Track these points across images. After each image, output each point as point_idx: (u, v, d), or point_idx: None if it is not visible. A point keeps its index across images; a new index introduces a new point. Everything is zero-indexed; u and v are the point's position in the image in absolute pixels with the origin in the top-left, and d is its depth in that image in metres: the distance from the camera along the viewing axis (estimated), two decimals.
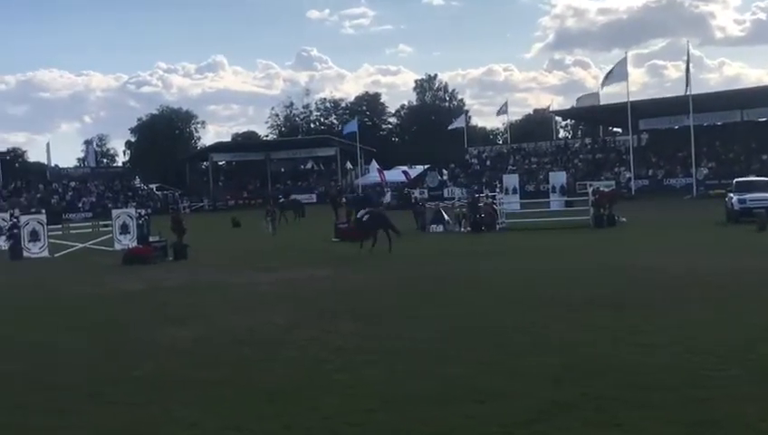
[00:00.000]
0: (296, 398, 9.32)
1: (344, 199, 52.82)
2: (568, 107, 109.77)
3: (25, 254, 34.14)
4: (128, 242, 35.01)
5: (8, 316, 17.30)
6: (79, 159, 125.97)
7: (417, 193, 67.37)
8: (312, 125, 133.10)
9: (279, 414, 8.69)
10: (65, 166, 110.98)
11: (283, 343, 12.65)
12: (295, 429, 8.24)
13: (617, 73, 70.46)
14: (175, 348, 12.60)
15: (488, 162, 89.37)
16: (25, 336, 14.49)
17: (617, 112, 76.52)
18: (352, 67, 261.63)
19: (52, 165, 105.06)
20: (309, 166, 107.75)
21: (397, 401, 9.03)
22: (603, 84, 73.09)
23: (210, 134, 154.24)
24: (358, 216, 30.18)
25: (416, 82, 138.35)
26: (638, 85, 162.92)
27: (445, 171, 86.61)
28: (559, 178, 63.38)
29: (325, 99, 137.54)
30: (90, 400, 9.67)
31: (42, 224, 35.80)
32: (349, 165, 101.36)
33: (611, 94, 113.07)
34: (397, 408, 8.76)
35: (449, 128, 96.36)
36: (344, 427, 8.26)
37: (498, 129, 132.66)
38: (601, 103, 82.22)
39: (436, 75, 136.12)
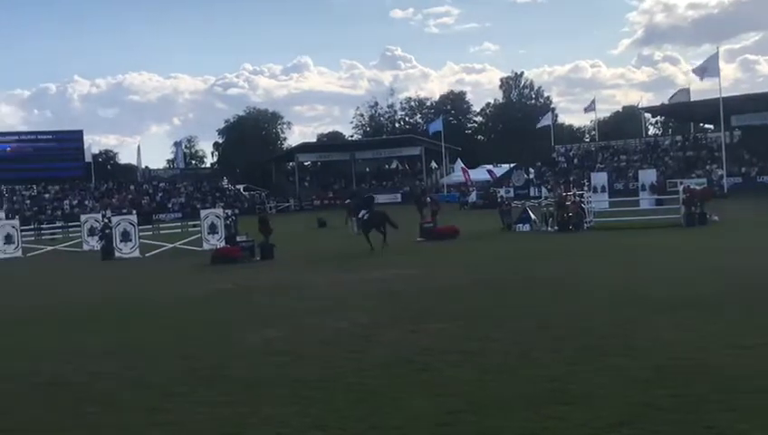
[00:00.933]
0: (382, 398, 9.30)
1: (428, 199, 52.86)
2: (657, 103, 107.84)
3: (117, 254, 34.94)
4: (216, 242, 35.53)
5: (100, 316, 17.67)
6: (168, 161, 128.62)
7: (502, 192, 66.94)
8: (397, 125, 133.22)
9: (366, 414, 8.68)
10: (155, 167, 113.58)
11: (370, 342, 12.65)
12: (382, 429, 8.21)
13: (709, 69, 68.79)
14: (263, 348, 12.70)
15: (575, 160, 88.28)
16: (116, 335, 14.77)
17: (708, 108, 74.83)
18: (437, 66, 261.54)
19: (143, 166, 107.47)
20: (393, 165, 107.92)
21: (483, 402, 8.94)
22: (698, 75, 70.94)
23: (295, 135, 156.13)
24: (359, 215, 32.30)
25: (501, 80, 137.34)
26: (730, 81, 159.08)
27: (531, 170, 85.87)
28: (649, 175, 62.19)
29: (410, 98, 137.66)
30: (179, 399, 9.79)
31: (133, 224, 36.58)
32: (433, 164, 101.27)
33: (703, 90, 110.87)
34: (483, 409, 8.66)
35: (537, 127, 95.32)
36: (431, 428, 8.20)
37: (586, 126, 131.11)
38: (692, 100, 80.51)
39: (522, 73, 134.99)
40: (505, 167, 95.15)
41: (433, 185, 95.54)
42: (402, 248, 31.03)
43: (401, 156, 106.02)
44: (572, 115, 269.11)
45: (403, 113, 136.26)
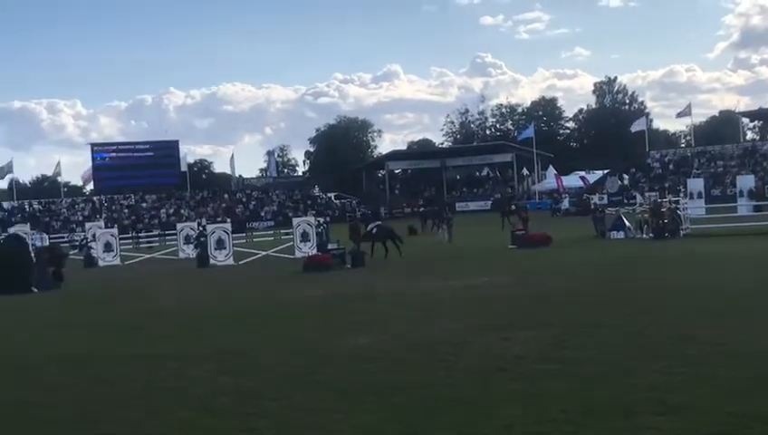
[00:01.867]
0: (474, 406, 9.23)
1: (514, 206, 52.99)
2: (755, 108, 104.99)
3: (212, 261, 35.50)
4: (308, 250, 35.82)
5: (195, 323, 17.97)
6: (261, 170, 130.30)
7: (595, 199, 66.00)
8: (488, 131, 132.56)
9: (458, 422, 8.62)
10: (248, 176, 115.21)
11: (461, 350, 12.57)
12: None
13: None
14: (355, 355, 12.72)
15: (671, 166, 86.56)
16: (212, 342, 14.98)
17: None
18: (527, 72, 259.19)
19: (237, 175, 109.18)
20: (484, 173, 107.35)
21: (578, 411, 8.79)
22: None
23: (386, 142, 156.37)
24: (368, 229, 34.07)
25: (594, 85, 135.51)
26: None
27: (625, 176, 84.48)
28: (747, 181, 60.65)
29: (501, 104, 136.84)
30: (274, 404, 9.88)
31: (227, 232, 37.16)
32: (525, 171, 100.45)
33: None
34: (578, 418, 8.53)
35: (632, 131, 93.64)
36: None
37: (681, 131, 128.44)
38: None
39: (615, 78, 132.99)
40: (599, 173, 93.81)
41: (524, 192, 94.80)
42: (493, 255, 30.84)
43: (492, 163, 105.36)
44: (667, 120, 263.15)
45: (494, 120, 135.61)
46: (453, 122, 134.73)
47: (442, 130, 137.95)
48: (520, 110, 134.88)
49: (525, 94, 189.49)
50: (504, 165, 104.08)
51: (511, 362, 11.49)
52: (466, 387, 10.16)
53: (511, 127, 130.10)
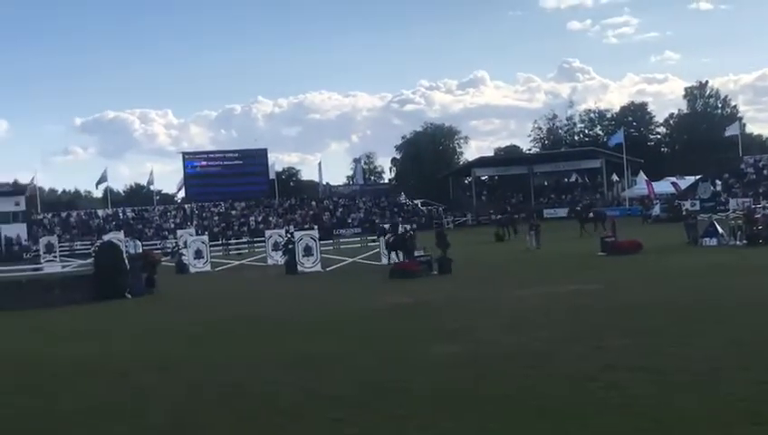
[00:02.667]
0: (566, 414, 9.14)
1: (592, 214, 52.60)
2: None
3: (299, 268, 35.81)
4: (394, 257, 35.87)
5: (284, 329, 18.14)
6: (348, 177, 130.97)
7: (687, 205, 64.70)
8: (576, 137, 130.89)
9: (548, 431, 8.55)
10: (335, 183, 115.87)
11: (551, 358, 12.45)
12: None
13: None
14: (443, 362, 12.70)
15: (765, 171, 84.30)
16: (301, 348, 15.12)
17: None
18: (616, 77, 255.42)
19: (324, 183, 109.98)
20: (573, 179, 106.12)
21: (670, 420, 8.66)
22: None
23: (472, 149, 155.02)
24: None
25: (685, 89, 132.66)
26: None
27: (718, 182, 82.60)
28: None
29: (589, 110, 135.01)
30: (364, 411, 9.93)
31: (314, 239, 37.43)
32: (615, 177, 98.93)
33: None
34: (670, 428, 8.41)
35: (724, 136, 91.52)
36: None
37: None
38: None
39: (706, 82, 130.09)
40: (690, 179, 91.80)
41: (614, 198, 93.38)
42: (583, 263, 30.46)
43: (581, 169, 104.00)
44: (761, 124, 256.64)
45: (582, 125, 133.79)
46: (540, 128, 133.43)
47: (529, 135, 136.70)
48: (609, 115, 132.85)
49: (614, 99, 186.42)
50: (592, 171, 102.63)
51: (602, 370, 11.33)
52: (556, 396, 10.05)
53: (600, 132, 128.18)
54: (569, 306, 18.55)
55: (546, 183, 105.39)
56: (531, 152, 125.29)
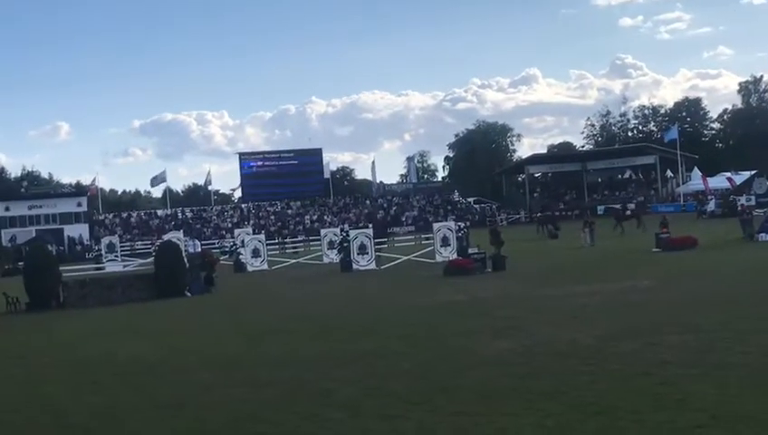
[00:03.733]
0: (620, 411, 9.17)
1: (629, 212, 52.44)
2: None
3: (354, 266, 36.08)
4: (448, 254, 36.01)
5: (340, 326, 18.37)
6: (401, 176, 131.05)
7: (743, 200, 63.79)
8: (630, 133, 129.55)
9: (603, 427, 8.61)
10: (389, 182, 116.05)
11: (605, 355, 12.49)
12: None
13: None
14: (497, 359, 12.81)
15: None
16: (357, 345, 15.33)
17: None
18: (669, 72, 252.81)
19: (378, 182, 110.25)
20: (627, 175, 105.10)
21: (727, 418, 8.65)
22: None
23: (525, 147, 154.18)
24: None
25: (739, 84, 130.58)
26: None
27: None
28: None
29: (643, 106, 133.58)
30: (420, 407, 10.05)
31: (369, 238, 37.68)
32: (669, 173, 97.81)
33: None
34: (727, 425, 8.39)
35: None
36: None
37: None
38: None
39: (761, 77, 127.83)
40: (746, 174, 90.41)
41: (669, 194, 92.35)
42: (637, 259, 30.30)
43: (635, 165, 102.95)
44: None
45: (636, 122, 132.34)
46: (594, 125, 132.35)
47: (582, 132, 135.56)
48: (663, 111, 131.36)
49: (667, 95, 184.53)
50: (646, 167, 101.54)
51: (657, 366, 11.35)
52: (611, 392, 10.10)
53: (654, 128, 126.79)
54: (623, 302, 18.52)
55: (600, 180, 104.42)
56: (584, 149, 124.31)
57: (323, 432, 9.26)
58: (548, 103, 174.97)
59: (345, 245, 37.41)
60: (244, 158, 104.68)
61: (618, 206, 65.61)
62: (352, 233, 38.85)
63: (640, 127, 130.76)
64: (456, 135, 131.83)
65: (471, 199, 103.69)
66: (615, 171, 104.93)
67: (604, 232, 44.85)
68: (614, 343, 13.49)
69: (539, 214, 64.50)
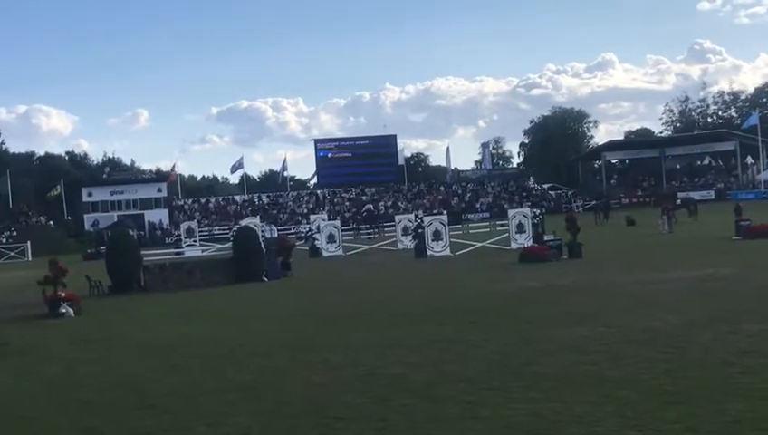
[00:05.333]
0: (699, 400, 9.07)
1: (679, 201, 51.81)
2: None
3: (429, 252, 36.11)
4: (523, 241, 35.84)
5: (415, 311, 18.42)
6: (476, 162, 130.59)
7: None
8: (709, 119, 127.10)
9: (682, 416, 8.52)
10: (463, 169, 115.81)
11: (684, 343, 12.33)
12: (698, 432, 8.03)
13: None
14: (574, 346, 12.74)
15: None
16: (431, 330, 15.39)
17: None
18: (749, 57, 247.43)
19: (452, 168, 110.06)
20: (706, 162, 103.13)
21: None
22: None
23: (601, 133, 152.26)
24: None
25: None
26: None
27: None
28: None
29: (723, 91, 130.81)
30: (496, 393, 10.06)
31: (443, 224, 37.70)
32: (749, 160, 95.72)
33: None
34: None
35: None
36: (752, 433, 7.93)
37: None
38: None
39: None
40: None
41: (749, 181, 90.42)
42: (717, 246, 29.78)
43: (714, 151, 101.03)
44: None
45: (715, 108, 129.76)
46: (672, 111, 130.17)
47: (661, 118, 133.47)
48: (743, 96, 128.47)
49: (747, 80, 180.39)
50: (726, 154, 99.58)
51: (737, 356, 11.18)
52: (690, 381, 9.98)
53: (734, 114, 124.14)
54: (702, 290, 18.26)
55: (678, 166, 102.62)
56: (662, 135, 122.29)
57: (398, 417, 9.31)
58: (624, 89, 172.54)
59: (420, 231, 37.45)
60: (320, 144, 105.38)
61: (665, 196, 64.92)
62: (427, 219, 38.88)
63: (720, 113, 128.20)
64: (532, 121, 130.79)
65: (546, 186, 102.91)
66: (694, 158, 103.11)
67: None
68: (692, 330, 13.33)
69: (594, 201, 64.10)
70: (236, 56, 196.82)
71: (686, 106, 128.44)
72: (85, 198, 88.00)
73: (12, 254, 67.13)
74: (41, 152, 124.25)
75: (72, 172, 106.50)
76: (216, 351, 14.85)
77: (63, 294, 22.66)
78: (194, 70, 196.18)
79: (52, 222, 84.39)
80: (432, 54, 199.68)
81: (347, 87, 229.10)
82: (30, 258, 63.48)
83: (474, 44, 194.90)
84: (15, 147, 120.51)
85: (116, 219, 79.15)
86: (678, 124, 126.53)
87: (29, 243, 67.93)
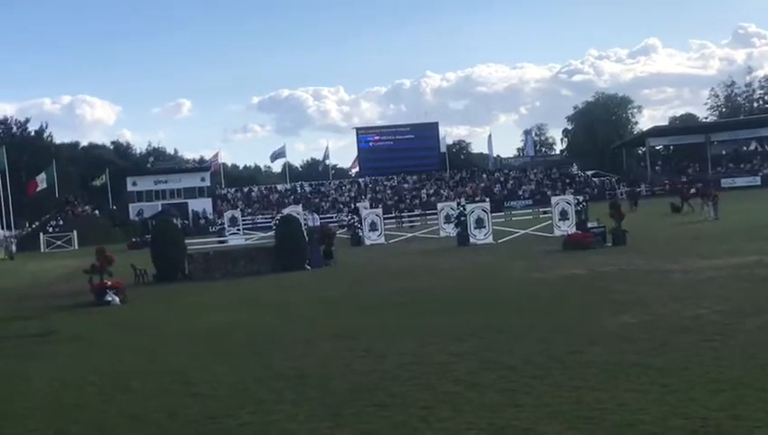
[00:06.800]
0: (746, 388, 8.98)
1: (694, 190, 51.41)
2: None
3: (471, 240, 36.07)
4: (567, 228, 35.66)
5: (457, 300, 18.44)
6: (518, 149, 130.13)
7: None
8: (756, 104, 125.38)
9: (728, 404, 8.44)
10: (505, 156, 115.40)
11: (730, 331, 12.19)
12: (746, 420, 7.94)
13: None
14: (619, 333, 12.66)
15: None
16: (474, 317, 15.38)
17: None
18: None
19: (494, 155, 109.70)
20: (752, 147, 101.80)
21: None
22: None
23: (645, 119, 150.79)
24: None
25: None
26: None
27: None
28: None
29: None
30: (539, 381, 10.03)
31: (486, 212, 37.62)
32: None
33: None
34: None
35: None
36: None
37: None
38: None
39: None
40: None
41: None
42: (765, 234, 29.38)
43: (760, 137, 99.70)
44: None
45: (762, 92, 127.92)
46: (717, 96, 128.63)
47: (705, 103, 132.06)
48: None
49: None
50: None
51: None
52: (736, 369, 9.88)
53: None
54: (748, 278, 18.01)
55: (724, 152, 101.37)
56: (707, 121, 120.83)
57: (441, 404, 9.32)
58: (668, 74, 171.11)
59: (462, 219, 37.39)
60: (361, 132, 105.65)
61: (680, 185, 64.35)
62: (469, 207, 38.81)
63: (766, 97, 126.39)
64: (575, 107, 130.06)
65: (590, 173, 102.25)
66: (740, 143, 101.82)
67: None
68: (740, 318, 13.17)
69: (627, 189, 64.16)
70: (277, 45, 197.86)
71: (732, 91, 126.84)
72: (130, 188, 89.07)
73: (59, 243, 68.16)
74: (85, 142, 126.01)
75: (117, 162, 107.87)
76: (260, 338, 14.97)
77: (109, 283, 22.97)
78: (235, 59, 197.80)
79: (97, 211, 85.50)
80: (472, 41, 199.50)
81: (387, 75, 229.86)
82: (76, 247, 64.38)
83: (514, 31, 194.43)
84: (60, 137, 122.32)
85: (160, 208, 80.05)
86: (724, 109, 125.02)
87: (75, 232, 68.97)
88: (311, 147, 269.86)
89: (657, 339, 12.02)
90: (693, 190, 53.96)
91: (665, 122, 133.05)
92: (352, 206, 47.14)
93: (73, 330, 17.97)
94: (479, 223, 36.99)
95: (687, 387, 9.22)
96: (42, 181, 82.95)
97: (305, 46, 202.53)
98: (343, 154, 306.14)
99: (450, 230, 40.86)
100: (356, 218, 45.58)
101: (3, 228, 68.77)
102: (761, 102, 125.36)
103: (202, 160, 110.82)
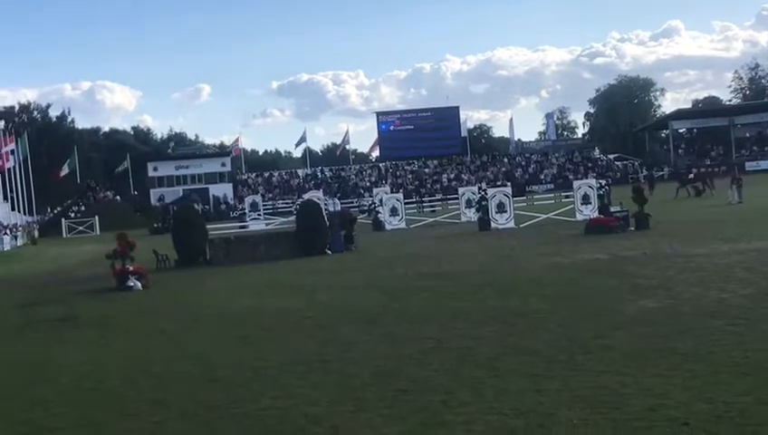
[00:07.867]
0: None
1: (692, 175, 51.16)
2: None
3: (493, 225, 35.94)
4: (589, 212, 35.49)
5: (478, 284, 18.34)
6: (539, 133, 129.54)
7: None
8: None
9: (752, 388, 8.36)
10: (527, 140, 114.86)
11: (755, 315, 12.09)
12: None
13: None
14: (642, 318, 12.58)
15: None
16: (496, 303, 15.33)
17: None
18: None
19: (515, 139, 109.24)
20: None
21: None
22: None
23: (668, 102, 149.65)
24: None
25: None
26: None
27: None
28: None
29: None
30: (562, 366, 9.97)
31: (507, 196, 37.48)
32: None
33: None
34: None
35: None
36: None
37: None
38: None
39: None
40: None
41: None
42: None
43: None
44: None
45: None
46: (741, 78, 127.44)
47: (729, 86, 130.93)
48: None
49: None
50: None
51: None
52: (761, 353, 9.79)
53: None
54: None
55: (748, 135, 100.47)
56: (731, 103, 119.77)
57: (463, 389, 9.29)
58: (691, 57, 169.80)
59: (483, 203, 37.26)
60: (382, 117, 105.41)
61: (683, 170, 63.86)
62: (490, 191, 38.67)
63: None
64: (597, 90, 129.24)
65: (612, 156, 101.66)
66: (764, 126, 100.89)
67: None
68: (764, 303, 13.05)
69: (644, 173, 64.11)
70: (296, 30, 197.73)
71: (756, 73, 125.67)
72: (151, 173, 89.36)
73: (80, 228, 68.58)
74: (106, 128, 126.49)
75: (138, 147, 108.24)
76: (282, 323, 14.98)
77: (131, 268, 23.05)
78: (254, 44, 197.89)
79: (119, 197, 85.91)
80: (492, 24, 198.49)
81: (407, 59, 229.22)
82: (98, 232, 64.72)
83: (535, 13, 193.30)
84: (81, 123, 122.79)
85: (181, 194, 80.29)
86: (747, 92, 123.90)
87: (97, 217, 69.30)
88: (330, 132, 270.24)
89: (681, 323, 11.93)
90: (691, 175, 53.68)
91: (688, 105, 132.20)
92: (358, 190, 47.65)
93: (96, 315, 18.05)
94: (500, 207, 36.82)
95: (712, 371, 9.15)
96: (65, 168, 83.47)
97: (324, 30, 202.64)
98: (363, 139, 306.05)
99: (471, 215, 40.72)
100: (377, 204, 45.54)
101: (25, 214, 69.20)
102: None
103: (222, 146, 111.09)
